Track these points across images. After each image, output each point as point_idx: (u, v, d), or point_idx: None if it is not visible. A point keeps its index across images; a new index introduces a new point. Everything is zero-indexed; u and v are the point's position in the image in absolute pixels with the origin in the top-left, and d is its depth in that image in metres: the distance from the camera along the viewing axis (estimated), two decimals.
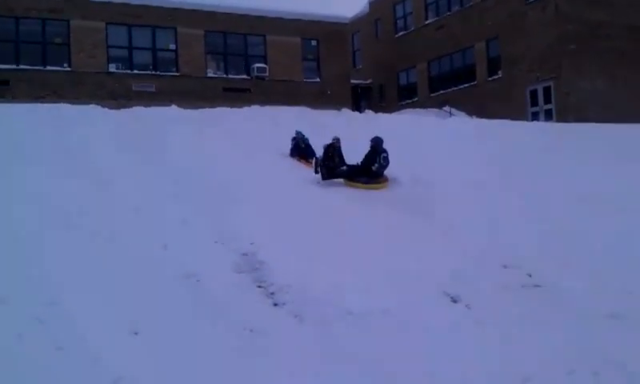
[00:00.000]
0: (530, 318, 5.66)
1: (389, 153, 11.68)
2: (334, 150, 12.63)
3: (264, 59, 24.68)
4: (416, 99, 31.75)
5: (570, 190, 10.00)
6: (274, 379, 4.18)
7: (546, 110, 25.33)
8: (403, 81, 33.80)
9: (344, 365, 4.42)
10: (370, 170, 11.61)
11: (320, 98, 24.15)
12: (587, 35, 24.30)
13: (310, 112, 19.01)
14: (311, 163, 12.82)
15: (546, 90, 25.21)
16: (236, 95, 22.96)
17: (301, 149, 14.04)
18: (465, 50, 29.15)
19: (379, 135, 11.97)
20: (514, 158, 12.81)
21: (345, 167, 11.95)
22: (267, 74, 24.21)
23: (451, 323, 5.51)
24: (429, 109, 28.12)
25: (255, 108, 18.97)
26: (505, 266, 7.38)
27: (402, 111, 27.77)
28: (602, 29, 24.38)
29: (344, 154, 12.57)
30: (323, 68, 26.07)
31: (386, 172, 11.85)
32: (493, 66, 27.86)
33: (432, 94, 30.79)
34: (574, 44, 24.31)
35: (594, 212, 8.93)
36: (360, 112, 24.68)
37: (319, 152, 12.69)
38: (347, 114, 21.20)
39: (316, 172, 11.79)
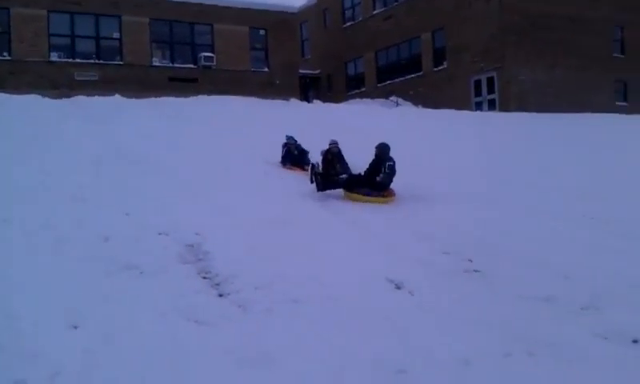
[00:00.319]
0: (469, 302, 5.83)
1: (395, 161, 10.28)
2: (332, 155, 11.54)
3: (211, 48, 24.43)
4: (363, 89, 32.01)
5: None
6: (214, 368, 4.20)
7: (489, 100, 25.96)
8: (351, 71, 33.99)
9: (286, 351, 4.47)
10: (374, 181, 10.18)
11: (268, 88, 24.10)
12: (529, 26, 25.00)
13: (258, 102, 18.93)
14: (307, 170, 11.46)
15: (490, 80, 25.83)
16: (182, 85, 22.70)
17: (294, 156, 12.78)
18: (411, 40, 29.54)
19: (385, 143, 10.43)
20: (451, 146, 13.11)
21: (345, 176, 10.68)
22: (214, 63, 23.99)
23: (394, 308, 5.61)
24: (376, 99, 28.39)
25: (203, 98, 18.79)
26: (446, 253, 7.58)
27: (350, 101, 28.00)
28: (543, 20, 25.11)
29: (347, 161, 11.50)
30: (271, 58, 26.00)
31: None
32: (438, 56, 28.34)
33: (379, 85, 31.10)
34: (516, 35, 24.96)
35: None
36: (308, 102, 24.76)
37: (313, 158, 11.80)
38: (296, 104, 21.24)
39: (311, 181, 10.43)
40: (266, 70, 25.82)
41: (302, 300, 5.51)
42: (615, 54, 28.29)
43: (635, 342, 4.91)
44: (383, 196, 10.03)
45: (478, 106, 26.04)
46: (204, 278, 5.99)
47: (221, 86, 22.20)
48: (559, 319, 5.49)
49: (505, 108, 24.38)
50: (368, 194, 9.96)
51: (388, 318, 5.26)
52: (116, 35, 22.93)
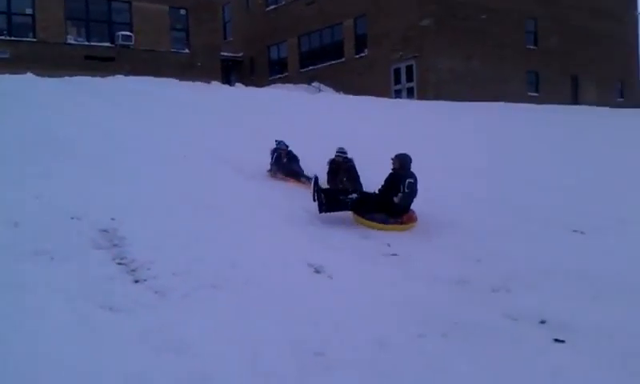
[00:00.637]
0: (386, 285, 5.98)
1: (416, 178, 8.50)
2: (337, 166, 9.76)
3: (129, 27, 23.67)
4: (286, 74, 31.97)
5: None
6: (130, 355, 4.11)
7: (408, 88, 26.53)
8: (274, 55, 33.86)
9: (204, 337, 4.43)
10: (391, 203, 8.32)
11: (189, 70, 23.63)
12: (447, 15, 25.69)
13: (177, 84, 18.53)
14: (304, 182, 10.07)
15: (409, 69, 26.39)
16: (99, 64, 21.89)
17: (283, 164, 10.99)
18: (334, 26, 29.72)
19: (405, 153, 8.63)
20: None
21: (355, 195, 8.58)
22: (133, 42, 23.27)
23: (314, 292, 5.68)
24: (299, 84, 28.45)
25: (120, 78, 18.22)
26: (365, 237, 7.74)
27: (273, 86, 27.91)
28: (461, 9, 25.86)
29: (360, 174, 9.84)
30: (192, 39, 25.49)
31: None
32: (360, 43, 28.68)
33: (302, 70, 31.15)
34: (435, 24, 25.59)
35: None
36: (230, 85, 24.48)
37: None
38: (217, 86, 20.96)
39: (314, 199, 8.47)
40: (187, 51, 25.29)
41: (220, 285, 5.47)
42: (528, 46, 29.52)
43: (543, 322, 5.18)
44: (401, 222, 8.29)
45: (398, 94, 26.56)
46: (119, 264, 5.82)
47: (139, 66, 21.57)
48: (471, 301, 5.72)
49: (423, 96, 24.98)
50: (384, 222, 8.19)
51: (307, 302, 5.31)
52: (29, 11, 21.83)
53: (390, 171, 8.48)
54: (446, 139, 15.28)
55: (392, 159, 8.54)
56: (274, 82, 30.74)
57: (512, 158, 14.09)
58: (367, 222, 8.17)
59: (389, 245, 7.46)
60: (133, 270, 5.69)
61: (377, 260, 6.92)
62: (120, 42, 22.92)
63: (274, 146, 11.19)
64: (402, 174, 8.32)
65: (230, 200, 8.55)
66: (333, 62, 29.56)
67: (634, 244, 8.04)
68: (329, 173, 9.67)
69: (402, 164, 8.45)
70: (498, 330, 4.97)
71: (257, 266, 6.08)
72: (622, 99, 33.93)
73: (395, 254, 7.08)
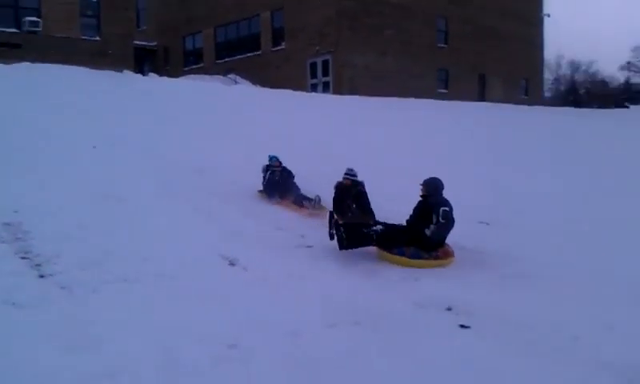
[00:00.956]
0: (299, 276, 6.06)
1: (451, 206, 7.26)
2: (345, 191, 8.39)
3: (37, 12, 22.46)
4: (202, 65, 31.49)
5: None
6: (37, 354, 3.97)
7: (324, 82, 26.76)
8: (189, 45, 33.27)
9: (114, 332, 4.34)
10: (422, 235, 7.09)
11: (100, 59, 22.73)
12: (363, 12, 26.07)
13: (87, 72, 17.82)
14: (307, 207, 9.03)
15: (325, 63, 26.62)
16: (3, 50, 20.69)
17: (277, 184, 9.66)
18: (251, 18, 29.51)
19: (435, 177, 7.45)
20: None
21: (381, 227, 7.29)
22: (41, 28, 22.11)
23: (228, 284, 5.66)
24: (214, 76, 28.09)
25: (25, 65, 17.30)
26: (280, 229, 7.79)
27: (188, 77, 27.40)
28: (376, 6, 26.30)
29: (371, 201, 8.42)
30: (104, 26, 24.52)
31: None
32: (277, 36, 28.63)
33: (218, 61, 30.78)
34: (351, 20, 25.94)
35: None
36: (143, 75, 23.86)
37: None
38: (130, 76, 20.40)
39: (331, 237, 7.14)
40: (98, 38, 24.33)
41: (131, 279, 5.36)
42: (439, 44, 30.43)
43: (449, 309, 5.42)
44: (436, 257, 7.10)
45: (314, 88, 26.73)
46: (23, 258, 5.58)
47: (48, 53, 20.51)
48: (382, 290, 5.91)
49: (338, 91, 25.27)
50: (416, 257, 6.99)
51: (221, 294, 5.30)
52: None
53: (419, 199, 7.41)
54: (367, 137, 15.52)
55: (420, 185, 7.44)
56: (188, 72, 30.19)
57: (436, 155, 14.52)
58: (396, 257, 6.98)
59: (303, 236, 7.55)
60: (38, 265, 5.47)
61: (292, 252, 6.98)
62: (27, 27, 21.73)
63: (266, 163, 9.99)
64: (434, 202, 7.16)
65: (140, 191, 8.36)
66: (249, 54, 29.37)
67: (533, 234, 8.56)
68: (335, 199, 8.39)
69: (432, 191, 7.29)
70: (406, 317, 5.16)
71: (169, 258, 5.99)
72: (526, 96, 35.64)
73: (310, 246, 7.17)
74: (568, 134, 20.29)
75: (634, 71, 59.39)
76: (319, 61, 26.70)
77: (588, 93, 57.24)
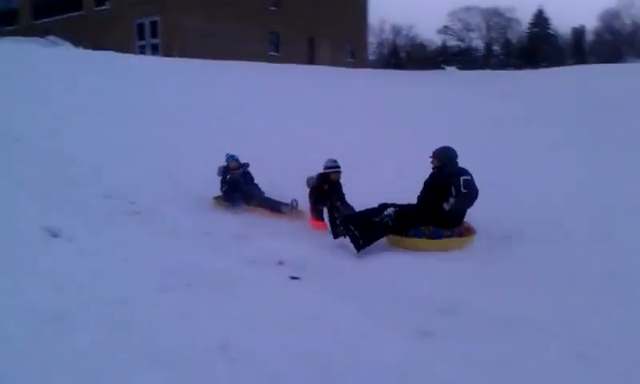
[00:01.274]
0: (128, 243, 5.91)
1: (471, 174, 6.56)
2: (329, 185, 7.73)
3: None
4: (16, 27, 28.97)
5: None
6: None
7: (152, 45, 25.85)
8: (2, 5, 30.41)
9: None
10: (440, 212, 6.38)
11: None
12: None
13: None
14: (280, 213, 7.95)
15: (153, 25, 25.69)
16: None
17: (240, 186, 8.47)
18: None
19: (447, 146, 6.83)
20: None
21: (391, 211, 6.38)
22: None
23: (53, 257, 5.39)
24: (32, 38, 25.99)
25: None
26: (108, 197, 7.55)
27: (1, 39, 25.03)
28: None
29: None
30: None
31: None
32: None
33: (36, 22, 28.51)
34: None
35: None
36: None
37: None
38: None
39: (336, 234, 6.34)
40: None
41: None
42: (271, 8, 30.56)
43: (281, 263, 5.64)
44: (460, 234, 6.41)
45: (142, 50, 25.71)
46: None
47: None
48: (215, 250, 5.97)
49: (168, 53, 24.53)
50: (437, 236, 6.27)
51: (43, 268, 5.04)
52: None
53: (431, 171, 6.76)
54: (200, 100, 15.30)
55: (430, 157, 6.79)
56: (2, 35, 27.60)
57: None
58: (414, 240, 6.23)
59: (132, 202, 7.39)
60: None
61: (120, 219, 6.79)
62: None
63: (224, 164, 8.71)
64: (449, 172, 6.49)
65: None
66: (71, 14, 27.44)
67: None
68: (314, 195, 7.66)
69: (446, 160, 6.65)
70: (240, 274, 5.25)
71: None
72: (352, 60, 37.07)
73: (139, 212, 7.03)
74: (393, 95, 21.54)
75: (450, 35, 64.13)
76: (147, 22, 25.68)
77: (408, 56, 60.84)
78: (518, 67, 46.59)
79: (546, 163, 11.07)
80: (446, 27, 63.92)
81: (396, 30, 64.25)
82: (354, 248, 6.02)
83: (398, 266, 5.66)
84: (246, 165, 8.70)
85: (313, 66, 29.83)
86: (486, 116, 16.70)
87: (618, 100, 17.15)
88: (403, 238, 6.22)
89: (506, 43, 65.33)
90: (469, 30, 63.99)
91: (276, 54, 30.15)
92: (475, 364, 3.63)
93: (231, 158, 8.65)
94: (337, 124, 15.04)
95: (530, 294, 4.94)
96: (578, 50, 63.06)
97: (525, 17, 63.67)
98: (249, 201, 8.30)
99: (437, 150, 6.73)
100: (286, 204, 7.95)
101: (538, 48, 61.11)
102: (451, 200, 6.27)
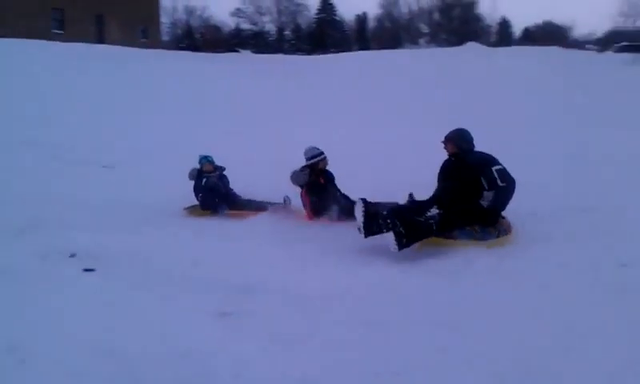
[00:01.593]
0: None
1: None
2: (320, 175, 7.01)
3: None
4: None
5: None
6: None
7: None
8: None
9: None
10: (479, 208, 5.51)
11: None
12: None
13: None
14: (250, 214, 7.05)
15: None
16: None
17: (217, 188, 7.62)
18: None
19: (460, 128, 5.93)
20: None
21: (436, 211, 5.65)
22: None
23: None
24: None
25: None
26: None
27: None
28: None
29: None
30: None
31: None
32: None
33: None
34: None
35: None
36: None
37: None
38: None
39: (368, 231, 5.44)
40: None
41: None
42: None
43: (73, 255, 5.34)
44: (504, 233, 5.57)
45: None
46: None
47: None
48: (2, 243, 5.59)
49: None
50: (484, 238, 5.40)
51: None
52: None
53: (451, 159, 5.86)
54: None
55: (443, 142, 5.87)
56: None
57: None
58: (468, 242, 5.37)
59: None
60: None
61: None
62: None
63: (197, 166, 7.79)
64: (475, 162, 5.60)
65: None
66: None
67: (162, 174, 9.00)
68: (313, 193, 6.93)
69: (465, 144, 5.76)
70: (27, 269, 4.97)
71: None
72: (145, 40, 35.83)
73: None
74: (196, 75, 21.42)
75: (243, 17, 64.67)
76: None
77: (203, 37, 60.25)
78: (309, 52, 48.50)
79: None
80: (238, 9, 64.24)
81: (189, 10, 63.08)
82: (395, 245, 5.16)
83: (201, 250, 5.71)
84: (222, 168, 7.94)
85: (102, 46, 28.31)
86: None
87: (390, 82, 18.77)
88: (450, 241, 5.45)
89: (297, 28, 67.46)
90: (261, 13, 64.92)
91: (61, 32, 28.05)
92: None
93: (205, 159, 7.81)
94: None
95: None
96: (362, 35, 67.13)
97: (313, 3, 66.34)
98: (231, 205, 7.58)
99: (450, 133, 5.90)
100: (274, 203, 7.35)
101: (326, 33, 63.93)
102: (486, 194, 5.53)
